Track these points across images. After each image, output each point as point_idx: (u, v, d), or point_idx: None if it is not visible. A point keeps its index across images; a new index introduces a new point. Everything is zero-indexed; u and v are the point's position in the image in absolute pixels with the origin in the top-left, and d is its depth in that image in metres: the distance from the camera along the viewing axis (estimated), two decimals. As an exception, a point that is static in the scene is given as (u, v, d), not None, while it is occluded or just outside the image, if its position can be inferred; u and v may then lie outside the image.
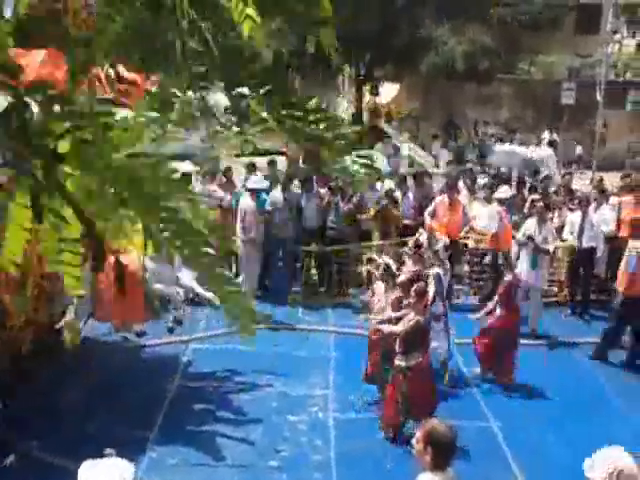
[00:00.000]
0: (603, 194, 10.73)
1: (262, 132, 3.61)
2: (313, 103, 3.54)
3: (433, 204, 10.58)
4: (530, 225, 9.40)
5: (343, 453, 6.35)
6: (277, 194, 10.44)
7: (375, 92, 27.67)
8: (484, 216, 10.61)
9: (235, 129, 3.75)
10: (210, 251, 3.33)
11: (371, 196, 11.19)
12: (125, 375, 7.61)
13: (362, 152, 3.80)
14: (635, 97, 26.10)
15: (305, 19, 3.26)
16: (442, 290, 7.81)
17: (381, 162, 12.68)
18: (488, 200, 11.18)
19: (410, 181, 12.26)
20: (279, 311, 9.88)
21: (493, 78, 24.27)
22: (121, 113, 3.61)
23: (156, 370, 7.97)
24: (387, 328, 6.66)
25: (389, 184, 11.94)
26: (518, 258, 9.47)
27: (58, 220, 3.16)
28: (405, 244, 9.16)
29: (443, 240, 8.56)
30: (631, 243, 8.58)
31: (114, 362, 7.89)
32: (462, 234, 10.60)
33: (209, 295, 8.40)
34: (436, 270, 7.76)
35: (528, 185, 12.58)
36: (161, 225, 3.17)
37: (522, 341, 9.20)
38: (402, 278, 7.09)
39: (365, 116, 27.98)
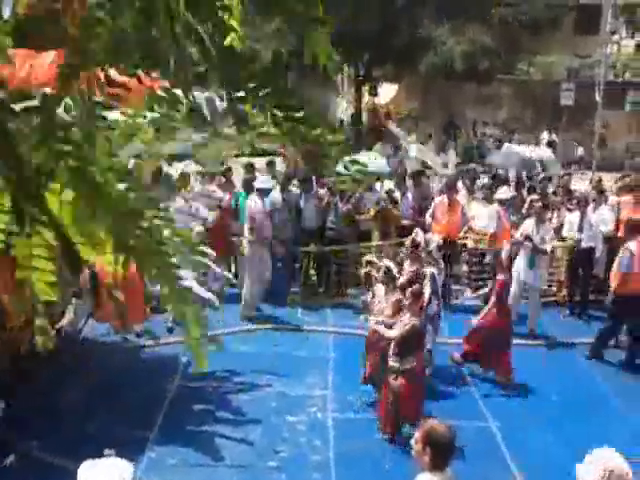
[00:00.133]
0: (602, 194, 10.75)
1: (259, 136, 3.60)
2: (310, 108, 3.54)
3: (433, 205, 10.61)
4: (528, 225, 9.43)
5: (342, 453, 6.36)
6: (276, 195, 10.44)
7: (374, 92, 27.70)
8: (483, 216, 10.64)
9: (231, 131, 3.76)
10: (176, 270, 3.34)
11: (370, 197, 11.21)
12: (125, 375, 7.63)
13: (356, 157, 3.81)
14: (634, 97, 26.14)
15: (304, 19, 3.24)
16: (437, 289, 7.85)
17: (380, 162, 12.68)
18: (487, 200, 11.22)
19: (409, 181, 12.28)
20: (278, 312, 9.89)
21: (492, 78, 24.30)
22: (111, 116, 3.62)
23: (156, 370, 7.98)
24: (382, 330, 6.67)
25: (388, 184, 11.96)
26: (515, 258, 9.50)
27: (37, 224, 3.14)
28: (404, 244, 9.17)
29: (436, 240, 8.61)
30: (626, 243, 8.62)
31: (114, 362, 7.91)
32: (461, 234, 10.62)
33: (208, 296, 8.41)
34: (431, 270, 7.80)
35: (527, 186, 12.63)
36: (130, 241, 3.17)
37: (521, 341, 9.27)
38: (402, 280, 7.11)
39: (364, 116, 28.02)
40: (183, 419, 6.86)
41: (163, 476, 5.92)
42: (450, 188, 10.75)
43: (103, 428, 6.23)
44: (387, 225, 10.83)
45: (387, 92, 29.39)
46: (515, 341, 9.22)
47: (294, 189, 11.02)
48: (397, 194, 11.44)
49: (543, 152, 18.71)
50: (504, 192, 10.56)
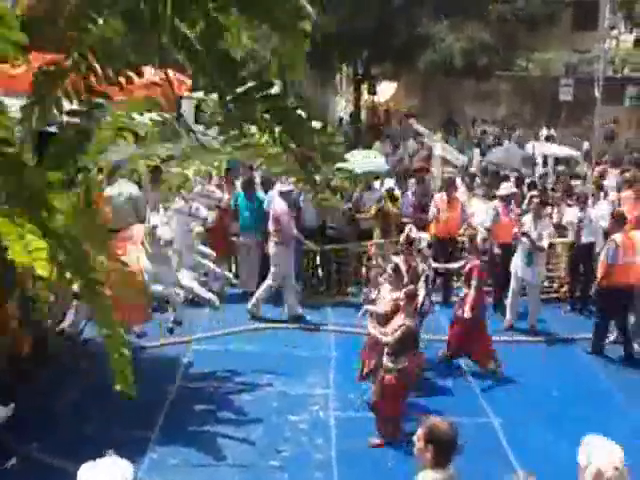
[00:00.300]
0: (600, 189, 10.75)
1: (250, 147, 3.58)
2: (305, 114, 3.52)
3: (433, 202, 10.61)
4: (526, 221, 9.41)
5: (344, 452, 6.35)
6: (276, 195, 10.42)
7: (373, 90, 27.68)
8: (482, 213, 10.63)
9: (215, 142, 3.74)
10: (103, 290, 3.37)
11: (370, 196, 11.22)
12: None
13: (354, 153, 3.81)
14: (633, 93, 26.10)
15: (288, 30, 3.20)
16: (430, 291, 7.97)
17: (379, 161, 12.66)
18: (487, 197, 11.21)
19: (411, 179, 12.32)
20: (279, 311, 9.88)
21: (491, 75, 24.28)
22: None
23: (157, 371, 7.96)
24: (379, 335, 6.66)
25: (389, 182, 11.95)
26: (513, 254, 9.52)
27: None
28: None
29: (426, 238, 8.65)
30: (613, 235, 8.62)
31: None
32: (461, 231, 10.60)
33: (209, 296, 8.40)
34: (426, 271, 7.84)
35: (527, 182, 12.62)
36: (65, 257, 3.19)
37: (522, 337, 9.29)
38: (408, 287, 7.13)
39: (363, 115, 28.00)
40: (184, 419, 6.85)
41: (165, 476, 5.91)
42: (449, 185, 10.75)
43: (104, 429, 6.22)
44: (388, 223, 10.82)
45: (386, 90, 29.38)
46: (516, 337, 9.30)
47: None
48: (397, 192, 11.44)
49: (570, 151, 18.90)
50: (505, 188, 10.55)
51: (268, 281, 9.68)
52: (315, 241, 10.48)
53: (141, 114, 3.97)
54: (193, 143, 4.26)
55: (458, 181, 12.10)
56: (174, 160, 6.21)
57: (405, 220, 10.92)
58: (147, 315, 7.76)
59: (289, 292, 9.71)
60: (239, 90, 3.17)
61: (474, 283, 8.00)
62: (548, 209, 10.96)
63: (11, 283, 5.68)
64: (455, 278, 10.48)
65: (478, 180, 12.94)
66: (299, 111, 3.42)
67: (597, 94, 19.31)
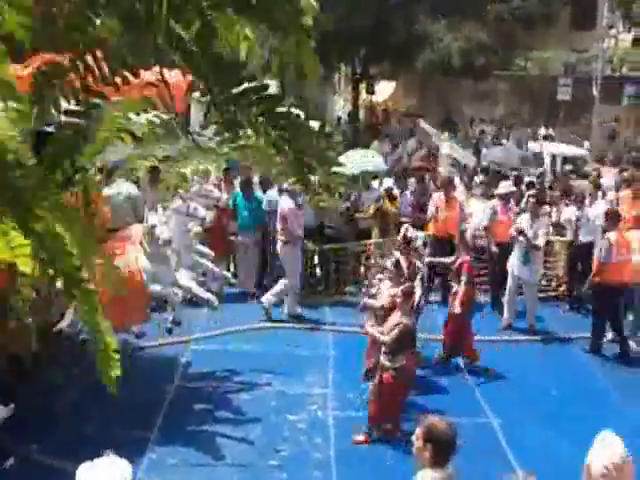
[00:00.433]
0: (598, 189, 10.77)
1: (245, 148, 3.57)
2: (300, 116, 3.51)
3: (431, 202, 10.61)
4: (523, 220, 9.42)
5: (343, 451, 6.36)
6: (274, 194, 10.43)
7: (371, 90, 27.66)
8: (480, 212, 10.64)
9: (212, 144, 3.73)
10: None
11: (368, 195, 11.23)
12: (124, 376, 7.58)
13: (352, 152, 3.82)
14: (631, 92, 26.10)
15: (288, 30, 3.19)
16: (425, 290, 8.02)
17: (377, 160, 12.67)
18: (485, 196, 11.22)
19: (411, 178, 12.33)
20: (277, 310, 9.87)
21: (489, 74, 24.26)
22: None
23: (155, 371, 7.96)
24: (377, 335, 6.66)
25: (388, 182, 11.96)
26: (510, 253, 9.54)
27: None
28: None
29: (422, 237, 8.69)
30: (607, 234, 8.65)
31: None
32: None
33: (207, 296, 8.41)
34: (421, 269, 7.88)
35: (526, 181, 12.63)
36: (47, 255, 3.20)
37: (520, 336, 9.30)
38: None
39: (362, 114, 27.97)
40: (183, 419, 6.85)
41: (164, 476, 5.91)
42: (447, 185, 10.74)
43: (103, 429, 6.22)
44: (386, 223, 10.83)
45: (384, 89, 29.34)
46: (515, 337, 9.30)
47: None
48: (396, 191, 11.45)
49: (578, 150, 18.97)
50: (504, 187, 10.56)
51: (285, 280, 9.66)
52: (313, 240, 10.48)
53: (138, 114, 3.97)
54: (189, 144, 4.26)
55: (456, 180, 12.11)
56: (172, 160, 6.22)
57: (404, 219, 10.94)
58: (146, 315, 7.76)
59: (292, 289, 9.69)
60: (234, 92, 3.17)
61: (464, 278, 8.04)
62: (547, 208, 10.98)
63: None
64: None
65: (477, 179, 12.95)
66: (297, 111, 3.42)
67: (595, 93, 19.37)
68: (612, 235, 8.50)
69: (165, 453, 6.21)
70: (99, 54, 3.12)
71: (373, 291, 7.60)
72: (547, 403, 7.40)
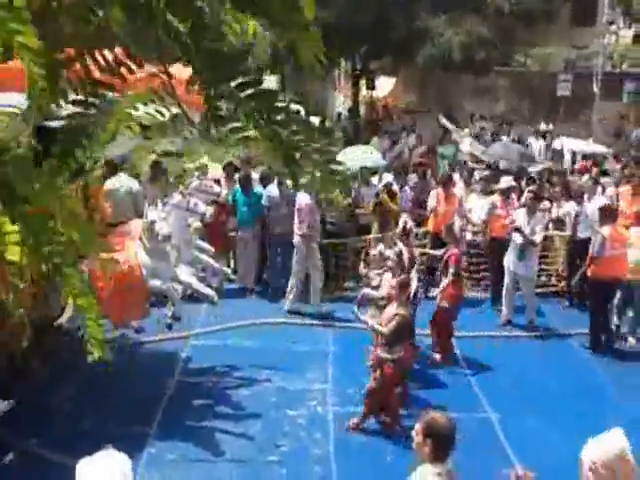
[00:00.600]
0: (597, 185, 10.77)
1: (240, 140, 3.55)
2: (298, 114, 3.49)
3: (430, 198, 10.61)
4: (519, 216, 9.41)
5: (342, 446, 6.37)
6: (273, 190, 10.42)
7: (372, 86, 27.63)
8: (479, 208, 10.64)
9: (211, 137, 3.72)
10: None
11: (368, 191, 11.22)
12: (124, 371, 7.61)
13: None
14: (631, 88, 26.07)
15: (287, 24, 3.18)
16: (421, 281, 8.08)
17: (376, 156, 12.66)
18: (484, 192, 11.21)
19: (412, 174, 12.33)
20: (277, 306, 9.88)
21: (490, 69, 24.21)
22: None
23: (155, 366, 7.97)
24: (375, 327, 6.66)
25: (387, 177, 11.94)
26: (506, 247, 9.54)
27: None
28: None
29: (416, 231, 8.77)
30: (602, 228, 8.66)
31: (112, 358, 7.88)
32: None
33: (208, 291, 8.39)
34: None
35: (526, 177, 12.61)
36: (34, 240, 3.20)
37: (520, 332, 9.30)
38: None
39: (362, 110, 27.95)
40: (183, 414, 6.85)
41: (163, 471, 5.92)
42: (446, 181, 10.74)
43: (102, 424, 6.23)
44: (385, 218, 10.80)
45: (384, 85, 29.31)
46: (515, 332, 9.31)
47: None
48: (395, 187, 11.44)
49: (598, 147, 19.00)
50: (505, 182, 10.55)
51: (316, 271, 9.74)
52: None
53: (145, 104, 3.96)
54: (193, 136, 4.26)
55: (456, 176, 12.11)
56: (177, 153, 6.19)
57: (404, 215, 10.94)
58: (145, 310, 7.75)
59: (313, 281, 9.75)
60: (227, 86, 3.16)
61: (451, 271, 8.04)
62: (547, 204, 10.97)
63: None
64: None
65: (476, 175, 12.94)
66: (296, 107, 3.41)
67: (595, 89, 19.34)
68: (606, 229, 8.51)
69: (164, 448, 6.22)
70: (103, 45, 3.12)
71: (374, 283, 7.61)
72: (546, 398, 7.40)
